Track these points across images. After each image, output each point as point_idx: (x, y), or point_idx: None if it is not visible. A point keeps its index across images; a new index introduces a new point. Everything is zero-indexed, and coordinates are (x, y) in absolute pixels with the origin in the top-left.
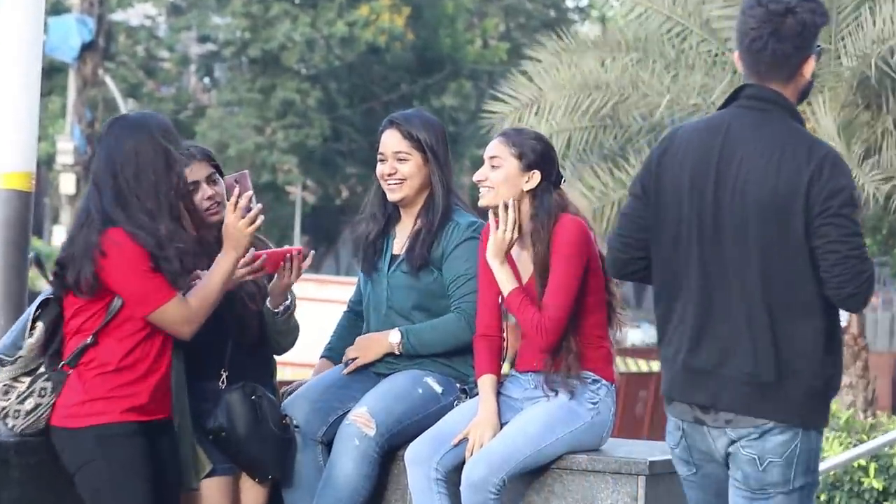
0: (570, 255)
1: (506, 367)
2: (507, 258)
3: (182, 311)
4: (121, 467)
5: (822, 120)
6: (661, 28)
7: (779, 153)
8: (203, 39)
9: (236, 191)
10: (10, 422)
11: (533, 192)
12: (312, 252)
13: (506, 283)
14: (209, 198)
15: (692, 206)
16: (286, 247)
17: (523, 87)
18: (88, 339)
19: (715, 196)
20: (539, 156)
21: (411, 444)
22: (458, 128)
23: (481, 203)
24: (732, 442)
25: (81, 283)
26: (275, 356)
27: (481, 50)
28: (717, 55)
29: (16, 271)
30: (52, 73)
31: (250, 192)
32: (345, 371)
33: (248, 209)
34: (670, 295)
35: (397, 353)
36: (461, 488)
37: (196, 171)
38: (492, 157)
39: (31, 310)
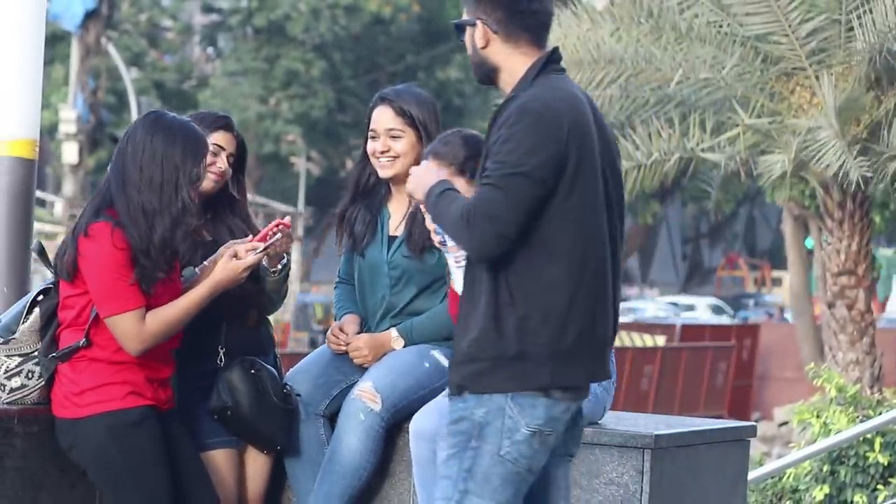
0: None
1: None
2: None
3: (135, 328)
4: (136, 456)
5: (827, 97)
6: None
7: (607, 124)
8: (207, 9)
9: (270, 234)
10: None
11: None
12: (288, 217)
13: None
14: (219, 170)
15: (600, 177)
16: (270, 224)
17: None
18: (81, 341)
19: (608, 167)
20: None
21: (416, 416)
22: (464, 100)
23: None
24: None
25: (66, 262)
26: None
27: None
28: (727, 28)
29: (19, 239)
30: (55, 41)
31: (284, 254)
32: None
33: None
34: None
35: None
36: (411, 438)
37: (225, 140)
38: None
39: (30, 295)
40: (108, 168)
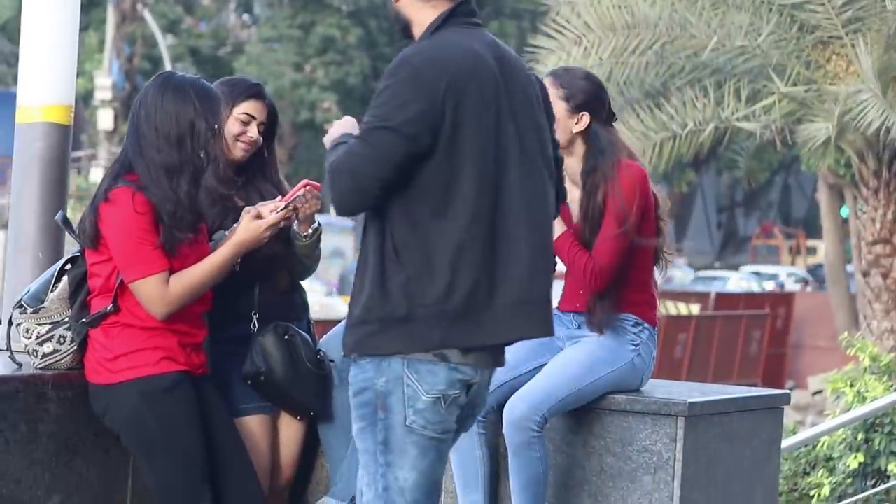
0: (628, 201)
1: None
2: None
3: (159, 292)
4: (169, 421)
5: (863, 62)
6: None
7: (526, 74)
8: None
9: (295, 194)
10: (29, 358)
11: (584, 134)
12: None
13: (555, 226)
14: (249, 140)
15: (503, 131)
16: (297, 186)
17: (571, 22)
18: (109, 307)
19: (514, 121)
20: (588, 96)
21: None
22: None
23: None
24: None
25: (88, 230)
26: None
27: None
28: None
29: (54, 205)
30: (91, 7)
31: (314, 218)
32: None
33: (287, 218)
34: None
35: None
36: (504, 429)
37: (257, 109)
38: None
39: (58, 264)
40: (125, 136)
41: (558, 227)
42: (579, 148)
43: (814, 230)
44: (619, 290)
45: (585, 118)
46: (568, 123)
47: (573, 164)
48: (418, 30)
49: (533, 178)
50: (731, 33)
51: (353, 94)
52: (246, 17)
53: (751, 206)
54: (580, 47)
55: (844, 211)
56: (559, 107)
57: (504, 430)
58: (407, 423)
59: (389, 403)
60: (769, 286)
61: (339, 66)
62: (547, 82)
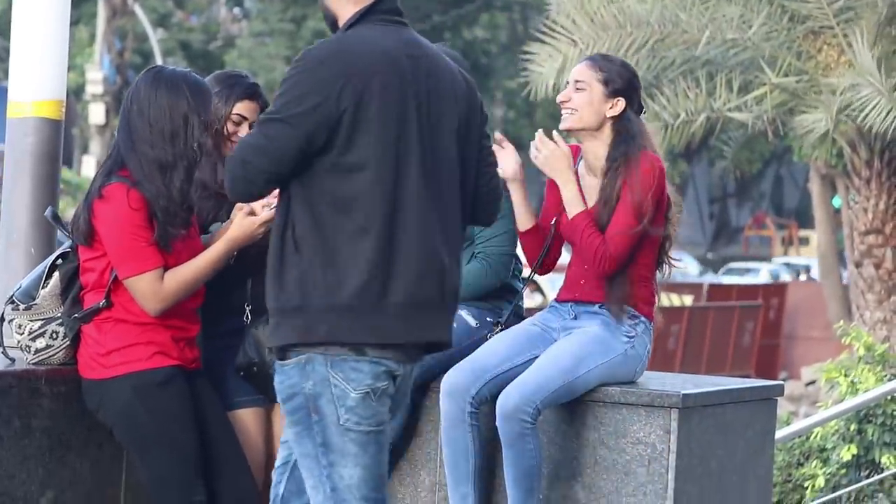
0: (645, 192)
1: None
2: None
3: (154, 288)
4: (163, 416)
5: (861, 54)
6: None
7: (450, 73)
8: None
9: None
10: (22, 354)
11: (615, 119)
12: None
13: (574, 203)
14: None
15: (407, 128)
16: None
17: (564, 26)
18: (102, 302)
19: (420, 118)
20: (626, 82)
21: (447, 374)
22: (490, 59)
23: (563, 126)
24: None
25: (81, 226)
26: None
27: None
28: None
29: (46, 198)
30: (81, 1)
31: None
32: None
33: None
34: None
35: None
36: (497, 421)
37: (249, 110)
38: (577, 81)
39: (49, 259)
40: (116, 131)
41: (577, 205)
42: (607, 133)
43: (806, 220)
44: (622, 283)
45: (620, 104)
46: (602, 107)
47: (597, 148)
48: (341, 25)
49: (437, 179)
50: (721, 26)
51: None
52: (237, 10)
53: (743, 196)
54: (575, 48)
55: (837, 201)
56: (596, 90)
57: (497, 422)
58: (341, 423)
59: (320, 405)
60: (804, 277)
61: None
62: (585, 66)
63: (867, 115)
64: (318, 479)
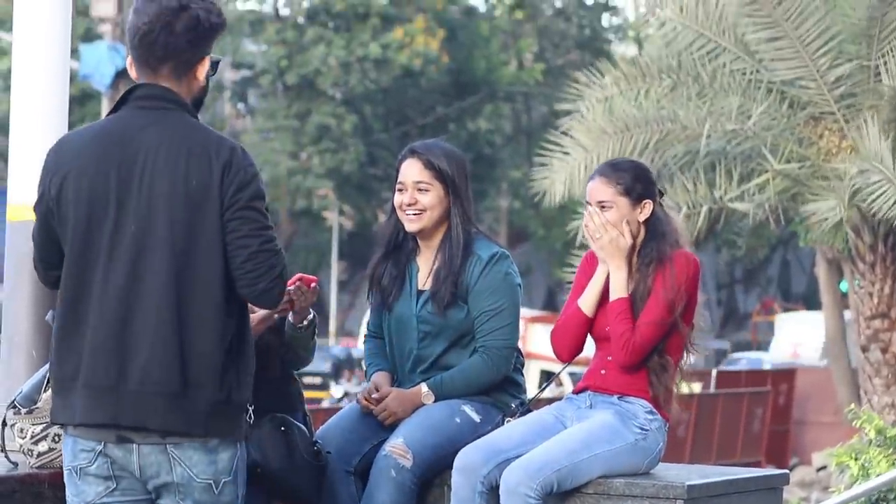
0: (678, 291)
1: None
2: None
3: None
4: None
5: (871, 141)
6: (692, 46)
7: (186, 152)
8: (237, 65)
9: (289, 288)
10: (25, 458)
11: (647, 220)
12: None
13: (620, 290)
14: None
15: (98, 215)
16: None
17: (567, 146)
18: None
19: (119, 204)
20: (644, 183)
21: (462, 451)
22: (494, 150)
23: (617, 257)
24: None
25: None
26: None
27: (516, 71)
28: (752, 74)
29: (47, 302)
30: (85, 100)
31: (309, 310)
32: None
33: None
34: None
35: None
36: (501, 498)
37: None
38: (600, 202)
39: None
40: None
41: (622, 290)
42: (640, 234)
43: (814, 305)
44: (646, 375)
45: (648, 206)
46: (633, 215)
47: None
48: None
49: (128, 264)
50: (721, 119)
51: (350, 181)
52: (241, 106)
53: (750, 282)
54: (579, 168)
55: (844, 285)
56: (621, 203)
57: (501, 499)
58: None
59: None
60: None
61: (334, 153)
62: (600, 183)
63: (874, 200)
64: None
